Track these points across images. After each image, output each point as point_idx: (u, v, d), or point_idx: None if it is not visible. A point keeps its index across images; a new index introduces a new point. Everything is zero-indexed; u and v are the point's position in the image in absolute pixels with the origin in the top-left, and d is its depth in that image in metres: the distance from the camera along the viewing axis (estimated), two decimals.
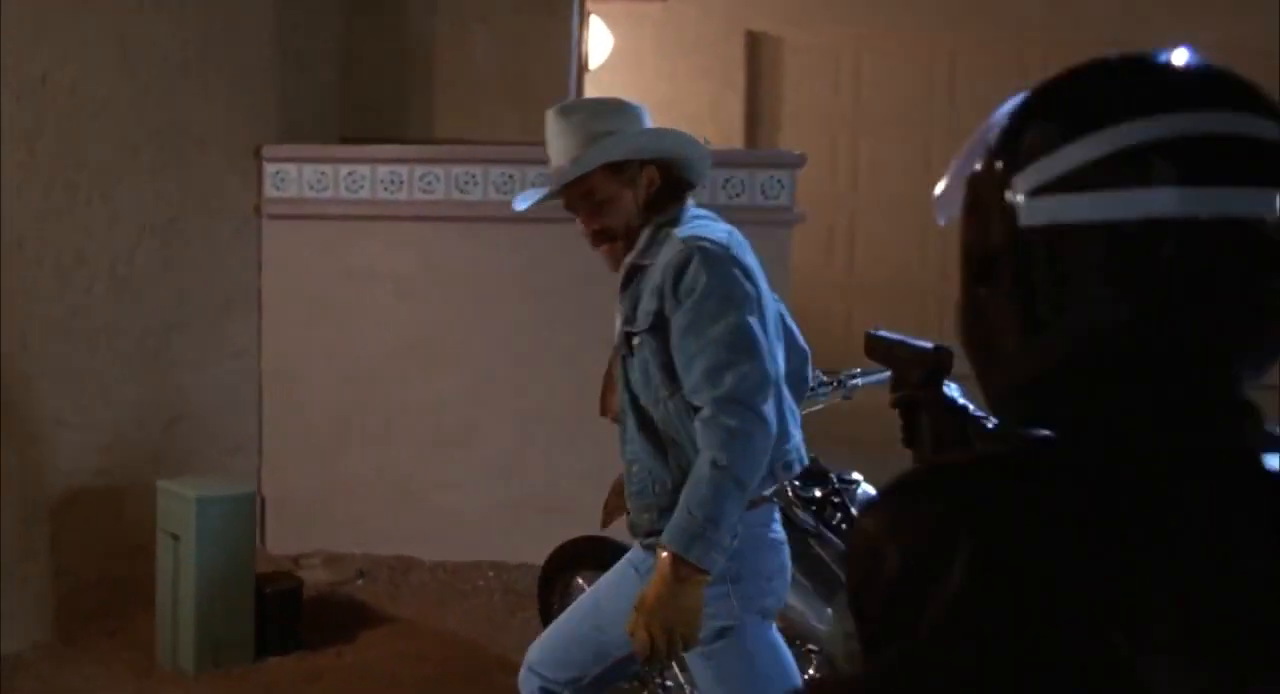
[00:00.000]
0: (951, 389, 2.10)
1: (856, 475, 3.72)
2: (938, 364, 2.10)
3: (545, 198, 2.90)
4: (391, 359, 5.58)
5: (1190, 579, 1.06)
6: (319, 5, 6.11)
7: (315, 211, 5.53)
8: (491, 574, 5.51)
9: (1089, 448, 1.13)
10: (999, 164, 1.18)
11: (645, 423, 2.85)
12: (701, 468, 2.66)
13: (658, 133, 2.88)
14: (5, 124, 4.59)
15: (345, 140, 6.30)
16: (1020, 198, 1.15)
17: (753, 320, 2.70)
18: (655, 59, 9.33)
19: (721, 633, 2.79)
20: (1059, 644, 1.05)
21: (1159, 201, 1.10)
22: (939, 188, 1.28)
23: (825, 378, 3.72)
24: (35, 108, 4.72)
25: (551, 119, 2.86)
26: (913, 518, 1.13)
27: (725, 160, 5.56)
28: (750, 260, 2.82)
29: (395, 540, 5.57)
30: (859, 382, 3.76)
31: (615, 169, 2.82)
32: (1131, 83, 1.17)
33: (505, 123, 6.51)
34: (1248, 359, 1.15)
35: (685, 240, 2.75)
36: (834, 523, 3.62)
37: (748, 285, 2.74)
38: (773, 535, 2.87)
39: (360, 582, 5.43)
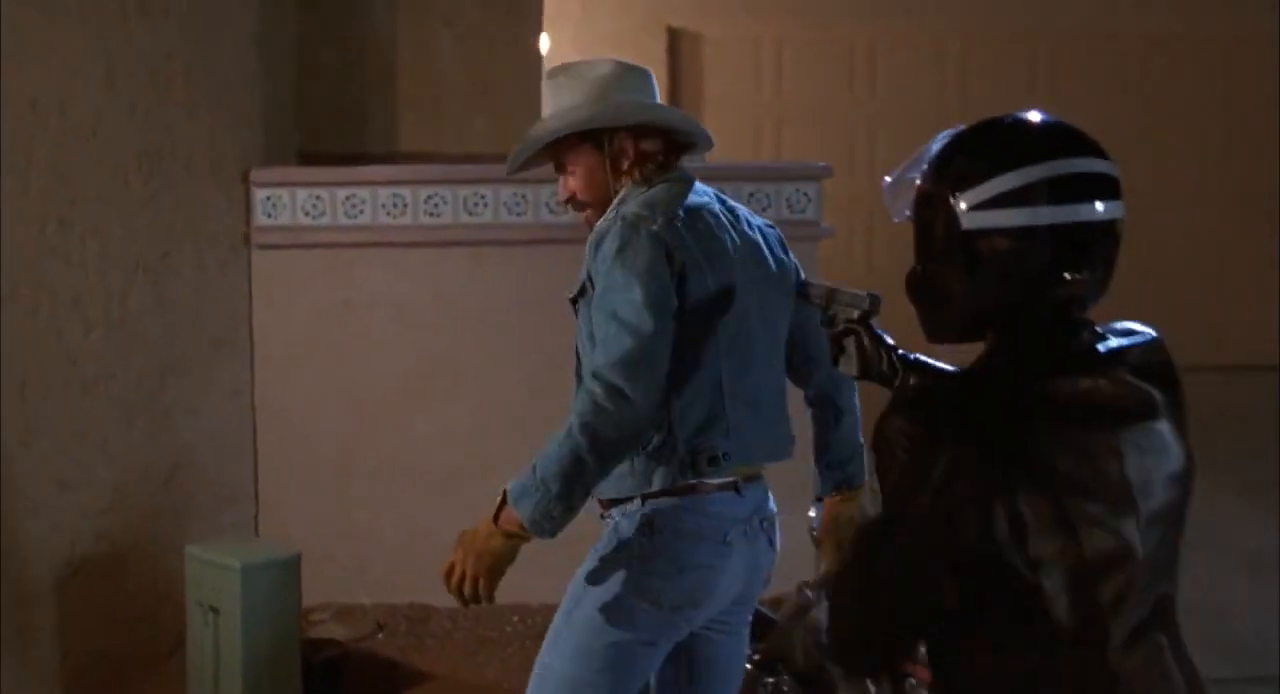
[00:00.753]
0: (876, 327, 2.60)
1: None
2: (872, 306, 2.57)
3: (518, 166, 2.91)
4: (395, 394, 5.20)
5: (1072, 447, 1.81)
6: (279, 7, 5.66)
7: (310, 240, 5.11)
8: (516, 618, 5.17)
9: (1004, 367, 1.92)
10: (947, 186, 1.93)
11: (577, 391, 2.80)
12: (560, 430, 2.64)
13: (629, 105, 2.80)
14: (4, 157, 4.11)
15: (303, 157, 5.88)
16: (963, 208, 1.91)
17: (648, 295, 2.62)
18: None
19: (591, 583, 2.78)
20: (1012, 499, 1.77)
21: (1044, 215, 1.88)
22: (887, 194, 2.09)
23: None
24: (26, 136, 4.23)
25: (544, 78, 2.90)
26: (912, 424, 1.82)
27: (749, 174, 5.31)
28: (701, 237, 2.74)
29: (408, 588, 5.19)
30: None
31: (585, 136, 2.80)
32: (1026, 138, 1.96)
33: (473, 133, 6.16)
34: (1094, 297, 1.94)
35: (621, 211, 2.74)
36: None
37: (656, 259, 2.65)
38: (694, 527, 2.75)
39: (380, 635, 5.05)
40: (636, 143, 2.81)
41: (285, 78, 5.52)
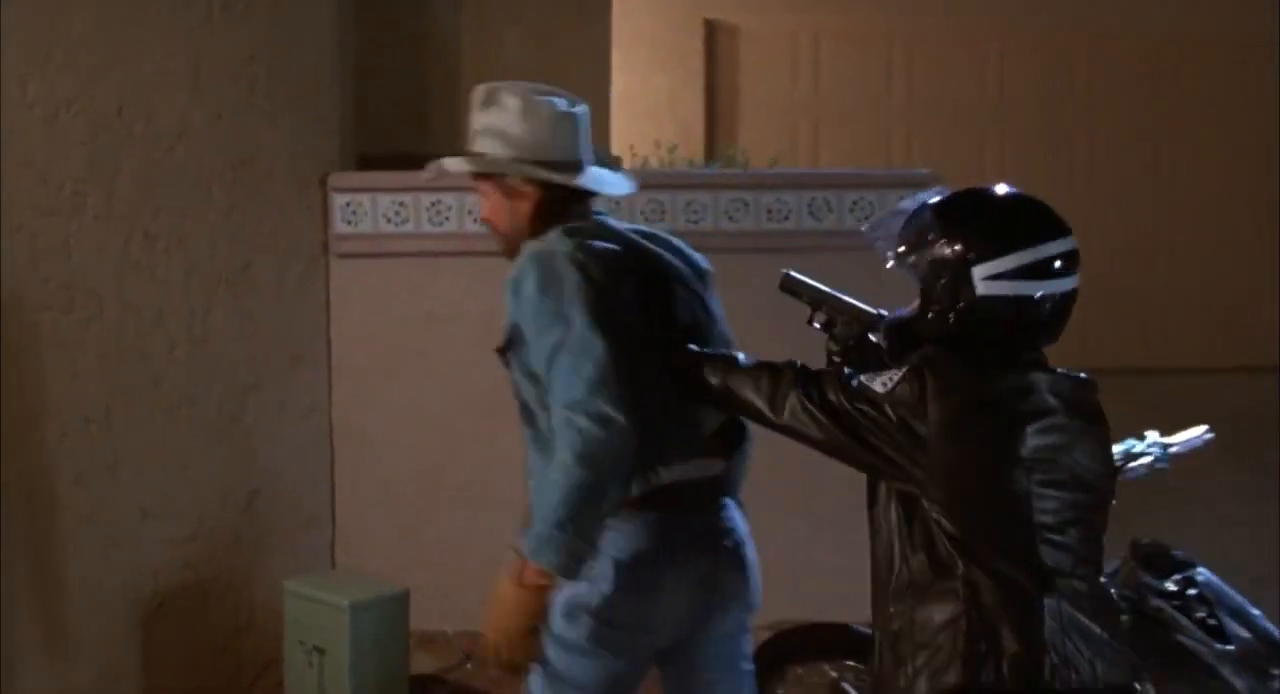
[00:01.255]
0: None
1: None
2: (875, 324, 2.72)
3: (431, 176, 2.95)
4: (480, 411, 4.92)
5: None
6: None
7: (392, 248, 4.84)
8: None
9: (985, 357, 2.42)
10: (967, 254, 2.38)
11: (536, 437, 2.81)
12: (552, 471, 2.62)
13: (509, 162, 2.80)
14: (85, 167, 3.86)
15: (363, 159, 5.61)
16: (979, 277, 2.37)
17: (586, 319, 2.62)
18: (613, 52, 8.73)
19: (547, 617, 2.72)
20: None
21: (1044, 287, 2.38)
22: (868, 240, 2.58)
23: (1143, 447, 3.29)
24: (112, 144, 3.98)
25: (474, 96, 2.88)
26: (920, 380, 2.36)
27: (851, 181, 5.08)
28: (609, 264, 2.70)
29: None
30: (1178, 448, 3.34)
31: (493, 176, 2.83)
32: (1034, 218, 2.44)
33: None
34: (1050, 338, 2.46)
35: (529, 251, 2.77)
36: (1197, 617, 3.19)
37: (579, 283, 2.64)
38: (636, 548, 2.69)
39: (469, 665, 4.81)
40: (539, 190, 2.83)
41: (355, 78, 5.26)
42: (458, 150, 6.03)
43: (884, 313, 2.71)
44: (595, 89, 6.13)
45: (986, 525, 2.39)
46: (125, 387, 4.03)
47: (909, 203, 2.53)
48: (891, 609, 2.45)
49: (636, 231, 2.95)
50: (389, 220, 4.86)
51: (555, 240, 2.76)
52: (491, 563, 4.98)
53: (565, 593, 2.71)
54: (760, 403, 2.54)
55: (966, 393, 2.36)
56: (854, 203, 4.96)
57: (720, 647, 2.89)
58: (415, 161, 5.57)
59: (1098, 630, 2.42)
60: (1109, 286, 8.58)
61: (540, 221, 2.83)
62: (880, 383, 2.40)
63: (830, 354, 2.80)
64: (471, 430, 4.92)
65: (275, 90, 4.56)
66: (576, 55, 5.99)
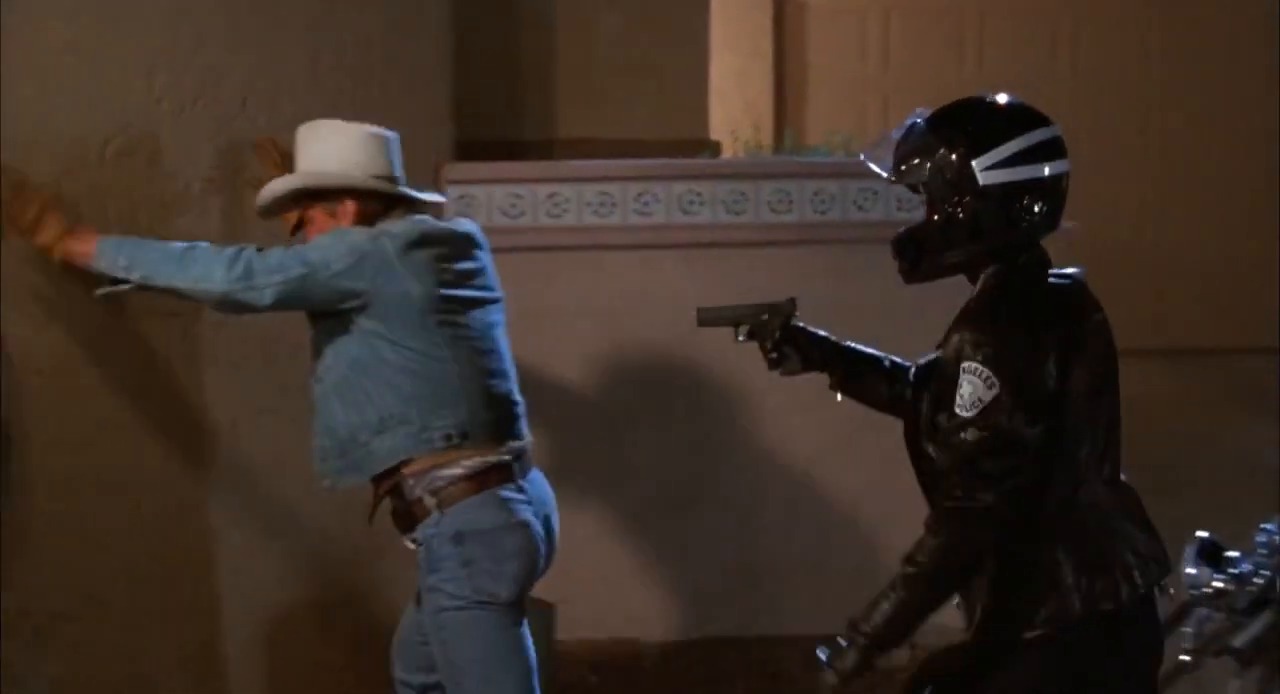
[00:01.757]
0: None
1: None
2: (793, 309, 2.90)
3: (271, 213, 3.27)
4: (602, 410, 4.74)
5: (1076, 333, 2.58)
6: None
7: (509, 242, 4.58)
8: (734, 654, 4.76)
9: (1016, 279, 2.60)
10: (962, 150, 2.54)
11: None
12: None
13: (335, 176, 3.18)
14: (212, 163, 3.65)
15: (458, 145, 5.39)
16: (979, 169, 2.53)
17: (305, 262, 3.04)
18: None
19: (446, 612, 3.10)
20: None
21: (1039, 171, 2.54)
22: (870, 158, 2.72)
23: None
24: (237, 139, 3.77)
25: (299, 132, 3.26)
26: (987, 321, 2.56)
27: None
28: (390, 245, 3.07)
29: (612, 622, 4.75)
30: None
31: (316, 197, 3.19)
32: (1019, 110, 2.61)
33: (637, 119, 5.67)
34: (1053, 225, 2.62)
35: None
36: None
37: (336, 254, 3.05)
38: (494, 521, 3.10)
39: (594, 679, 4.62)
40: (359, 204, 3.19)
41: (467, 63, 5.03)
42: (552, 137, 5.86)
43: (792, 298, 2.93)
44: (693, 72, 5.92)
45: (1086, 448, 2.58)
46: (253, 395, 3.82)
47: (897, 131, 2.68)
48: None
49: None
50: (505, 213, 4.66)
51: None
52: (610, 568, 4.83)
53: (452, 587, 3.10)
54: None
55: (1029, 353, 2.50)
56: None
57: None
58: (510, 149, 5.44)
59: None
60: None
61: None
62: (984, 388, 2.48)
63: (766, 354, 2.91)
64: (591, 430, 4.72)
65: (390, 79, 4.34)
66: (675, 39, 5.77)
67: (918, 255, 2.65)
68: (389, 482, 3.18)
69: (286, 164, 3.31)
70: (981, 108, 2.66)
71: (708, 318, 3.00)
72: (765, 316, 2.89)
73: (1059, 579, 2.54)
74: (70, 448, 3.48)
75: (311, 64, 4.03)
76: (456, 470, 3.11)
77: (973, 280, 2.65)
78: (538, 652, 3.84)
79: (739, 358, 4.00)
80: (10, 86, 3.31)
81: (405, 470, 3.13)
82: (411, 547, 3.22)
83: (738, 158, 6.10)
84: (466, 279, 3.20)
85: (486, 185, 4.64)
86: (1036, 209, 2.55)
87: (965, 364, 2.49)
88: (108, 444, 3.56)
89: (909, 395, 2.74)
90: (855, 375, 2.90)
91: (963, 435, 2.48)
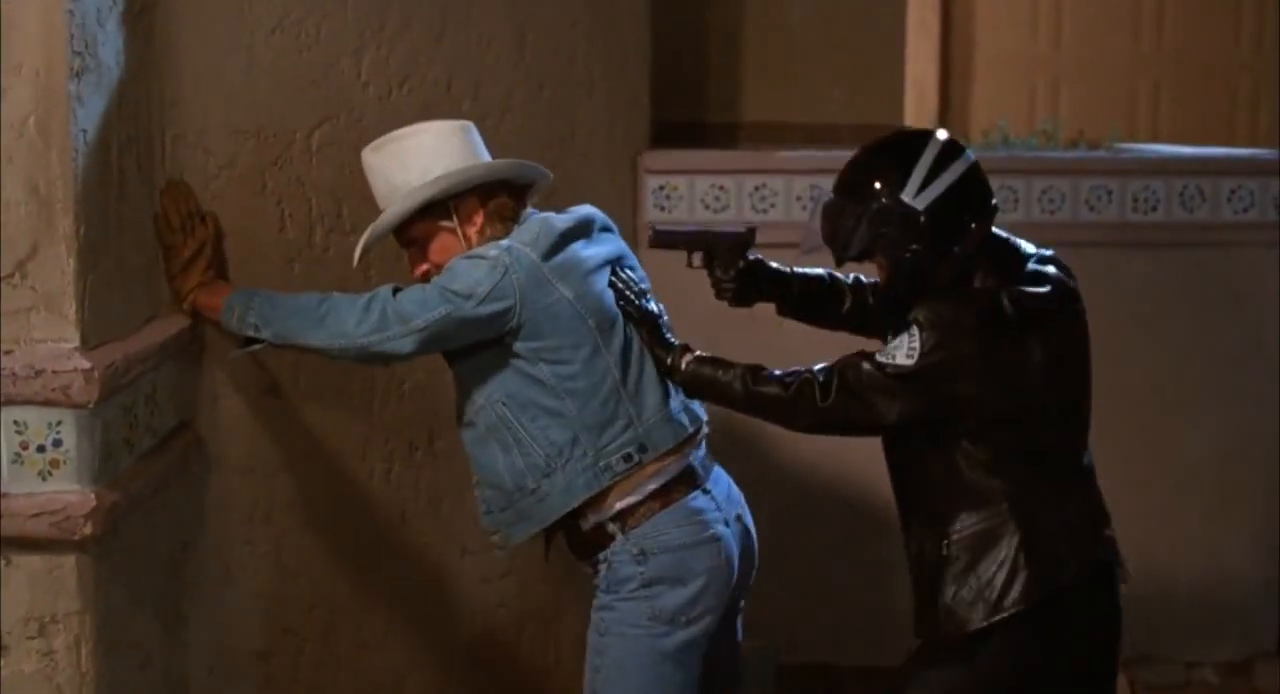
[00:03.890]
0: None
1: None
2: (752, 239, 2.94)
3: (363, 252, 2.87)
4: None
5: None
6: None
7: None
8: None
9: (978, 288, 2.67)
10: (887, 191, 2.65)
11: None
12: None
13: (460, 173, 2.80)
14: None
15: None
16: (908, 198, 2.63)
17: (447, 299, 2.69)
18: None
19: (612, 635, 2.80)
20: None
21: (958, 170, 2.66)
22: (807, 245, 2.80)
23: None
24: None
25: (365, 158, 2.87)
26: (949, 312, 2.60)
27: (1187, 167, 4.46)
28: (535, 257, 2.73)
29: (807, 645, 4.40)
30: None
31: (425, 213, 2.80)
32: (908, 135, 2.87)
33: (829, 102, 5.30)
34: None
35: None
36: None
37: (477, 278, 2.69)
38: (682, 538, 2.78)
39: None
40: (483, 202, 2.82)
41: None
42: (737, 120, 5.50)
43: (752, 227, 2.96)
44: (887, 53, 5.54)
45: (1049, 430, 2.67)
46: (449, 406, 3.51)
47: (813, 219, 2.75)
48: (947, 539, 2.65)
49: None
50: (707, 206, 4.30)
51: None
52: (807, 586, 4.49)
53: (627, 605, 2.82)
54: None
55: (982, 325, 2.58)
56: (1182, 190, 4.34)
57: None
58: (693, 132, 5.08)
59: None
60: None
61: (489, 234, 2.83)
62: (904, 354, 2.57)
63: (719, 283, 2.91)
64: (802, 448, 4.36)
65: (593, 59, 4.01)
66: (869, 19, 5.38)
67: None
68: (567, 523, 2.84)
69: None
70: (870, 154, 2.74)
71: (663, 239, 2.91)
72: (726, 245, 2.89)
73: (1031, 555, 2.62)
74: (266, 474, 3.18)
75: (517, 42, 3.69)
76: (638, 497, 2.78)
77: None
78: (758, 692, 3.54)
79: None
80: (218, 71, 2.99)
81: (587, 510, 2.79)
82: (589, 572, 2.89)
83: None
84: (604, 267, 2.86)
85: (688, 176, 4.29)
86: (974, 207, 2.66)
87: (914, 326, 2.58)
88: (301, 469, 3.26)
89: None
90: (809, 298, 3.00)
91: (864, 364, 2.62)
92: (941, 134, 2.69)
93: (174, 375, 2.92)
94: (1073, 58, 8.49)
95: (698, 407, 2.92)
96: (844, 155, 4.38)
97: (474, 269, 2.70)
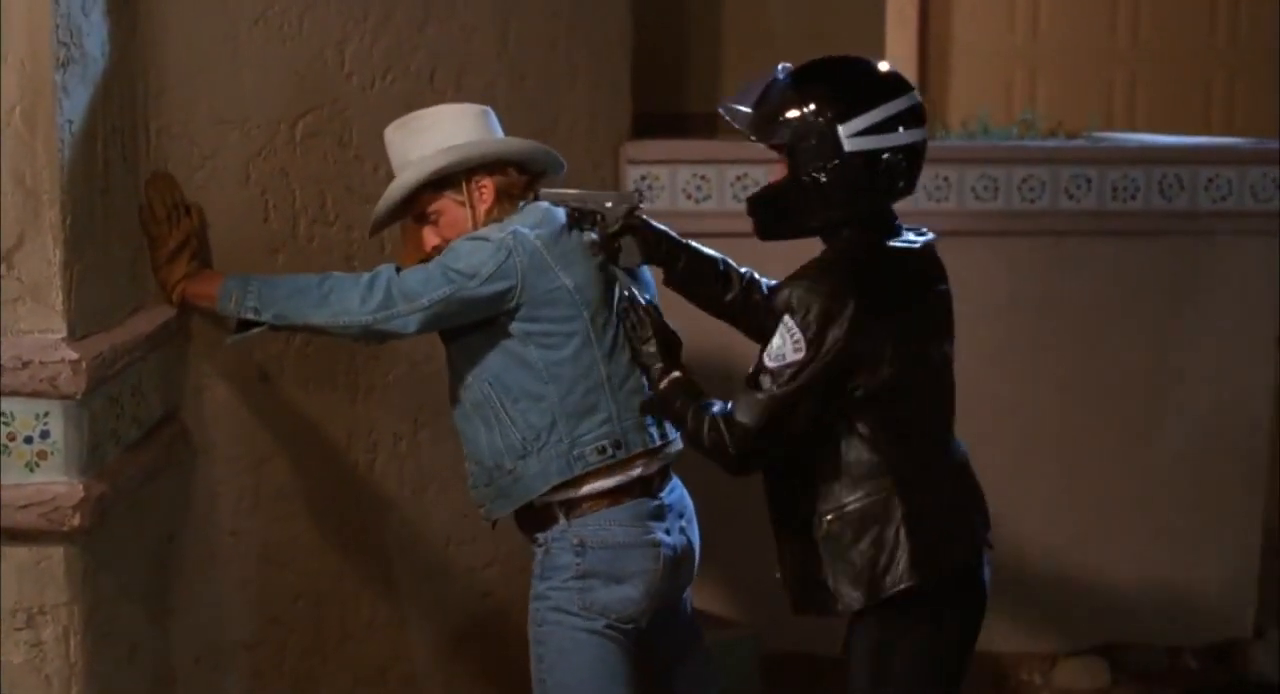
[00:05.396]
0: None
1: None
2: (641, 199, 2.88)
3: (378, 227, 2.93)
4: None
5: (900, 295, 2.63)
6: None
7: (691, 228, 4.25)
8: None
9: (862, 245, 2.63)
10: (829, 114, 2.56)
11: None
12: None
13: (478, 144, 2.85)
14: None
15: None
16: (844, 135, 2.55)
17: (450, 278, 2.72)
18: None
19: (548, 626, 2.82)
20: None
21: (903, 138, 2.58)
22: (728, 116, 2.71)
23: None
24: None
25: (386, 135, 2.91)
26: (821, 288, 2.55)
27: (1165, 156, 4.48)
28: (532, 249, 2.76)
29: (790, 635, 4.42)
30: None
31: (442, 184, 2.83)
32: (883, 77, 2.64)
33: None
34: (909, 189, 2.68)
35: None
36: None
37: (482, 258, 2.73)
38: (624, 538, 2.80)
39: None
40: (495, 180, 2.86)
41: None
42: (715, 110, 5.51)
43: (639, 190, 3.14)
44: (867, 50, 5.53)
45: (922, 407, 2.68)
46: (433, 397, 3.52)
47: (757, 84, 2.68)
48: (827, 516, 2.61)
49: None
50: (689, 196, 4.32)
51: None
52: (770, 572, 4.48)
53: (561, 596, 2.82)
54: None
55: (858, 305, 2.53)
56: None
57: None
58: (673, 123, 5.08)
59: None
60: None
61: (497, 213, 2.86)
62: (792, 348, 2.52)
63: (603, 245, 2.81)
64: None
65: (575, 50, 4.02)
66: (849, 9, 5.39)
67: (774, 216, 2.70)
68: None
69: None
70: (848, 71, 2.67)
71: (549, 200, 2.88)
72: (608, 205, 2.83)
73: (919, 536, 2.60)
74: (251, 463, 3.18)
75: (500, 31, 3.70)
76: (596, 486, 2.80)
77: (825, 241, 2.68)
78: (740, 684, 3.55)
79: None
80: (203, 61, 2.99)
81: (556, 495, 2.81)
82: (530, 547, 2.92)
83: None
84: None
85: (670, 166, 4.31)
86: (896, 176, 2.60)
87: (785, 318, 2.55)
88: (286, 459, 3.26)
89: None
90: (695, 274, 2.94)
91: (760, 381, 2.56)
92: (916, 96, 2.61)
93: (160, 366, 2.92)
94: (1049, 49, 8.52)
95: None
96: None
97: (478, 249, 2.74)
